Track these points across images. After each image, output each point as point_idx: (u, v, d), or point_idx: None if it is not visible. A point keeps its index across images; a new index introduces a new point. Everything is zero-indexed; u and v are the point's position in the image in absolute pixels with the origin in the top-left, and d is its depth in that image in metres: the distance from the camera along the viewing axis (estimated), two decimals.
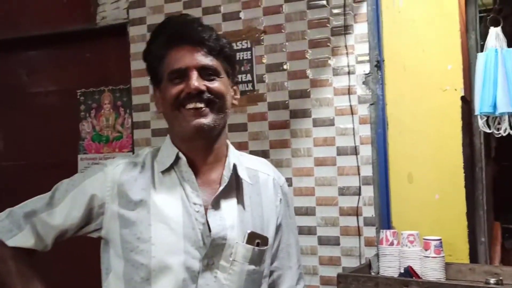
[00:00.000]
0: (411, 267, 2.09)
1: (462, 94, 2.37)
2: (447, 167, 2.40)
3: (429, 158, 2.44)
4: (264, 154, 2.67)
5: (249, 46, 2.74)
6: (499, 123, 2.08)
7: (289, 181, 2.63)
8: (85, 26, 3.14)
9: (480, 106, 2.09)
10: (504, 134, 2.11)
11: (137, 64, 2.99)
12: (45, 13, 3.22)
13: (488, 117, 2.14)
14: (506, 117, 2.11)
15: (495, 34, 2.09)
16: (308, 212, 2.60)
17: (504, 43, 2.11)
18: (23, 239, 1.29)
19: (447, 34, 2.41)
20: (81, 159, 3.30)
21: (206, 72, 1.26)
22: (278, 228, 1.38)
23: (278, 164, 2.61)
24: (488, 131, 2.15)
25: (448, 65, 2.40)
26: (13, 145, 3.50)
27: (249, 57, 2.73)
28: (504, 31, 2.16)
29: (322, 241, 2.57)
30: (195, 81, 1.24)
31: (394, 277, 2.06)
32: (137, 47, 2.98)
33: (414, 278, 2.05)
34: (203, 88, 1.25)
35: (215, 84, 1.27)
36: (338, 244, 2.54)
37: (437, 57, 2.43)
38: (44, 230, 1.29)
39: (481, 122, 2.13)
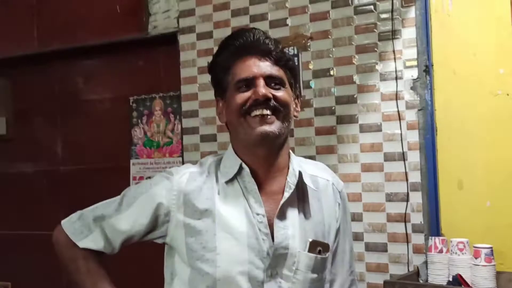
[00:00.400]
0: (460, 275, 2.05)
1: None
2: (499, 173, 2.34)
3: (480, 164, 2.39)
4: (310, 159, 2.67)
5: (295, 52, 2.76)
6: None
7: None
8: (138, 35, 3.25)
9: None
10: None
11: (187, 72, 3.07)
12: (101, 24, 3.36)
13: None
14: None
15: None
16: (355, 218, 2.58)
17: None
18: (93, 242, 1.34)
19: (498, 37, 2.35)
20: (133, 164, 3.41)
21: (272, 81, 1.29)
22: (336, 233, 1.40)
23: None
24: None
25: (500, 69, 2.34)
26: (72, 150, 3.66)
27: (296, 63, 2.75)
28: None
29: (370, 247, 2.56)
30: (263, 88, 1.27)
31: (443, 285, 2.03)
32: (187, 55, 3.06)
33: (463, 286, 2.01)
34: (270, 95, 1.27)
35: (281, 93, 1.30)
36: (386, 251, 2.52)
37: (488, 61, 2.38)
38: (112, 234, 1.34)
39: None
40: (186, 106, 3.09)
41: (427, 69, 2.47)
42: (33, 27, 3.60)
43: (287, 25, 2.80)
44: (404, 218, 2.47)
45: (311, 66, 2.73)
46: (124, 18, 3.28)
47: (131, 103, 3.45)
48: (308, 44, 2.74)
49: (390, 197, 2.53)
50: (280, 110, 1.29)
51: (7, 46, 3.66)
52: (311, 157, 2.69)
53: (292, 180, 1.32)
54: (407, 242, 2.46)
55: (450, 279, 2.08)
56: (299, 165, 1.38)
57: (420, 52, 2.48)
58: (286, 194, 1.30)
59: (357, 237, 2.58)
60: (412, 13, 2.50)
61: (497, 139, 2.34)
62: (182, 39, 3.08)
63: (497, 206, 2.33)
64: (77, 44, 3.44)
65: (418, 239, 2.45)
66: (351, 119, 2.63)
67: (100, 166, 3.55)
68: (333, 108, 2.68)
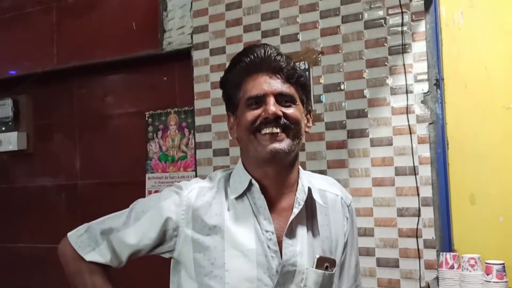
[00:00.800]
0: None
1: None
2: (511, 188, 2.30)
3: (492, 179, 2.35)
4: (321, 174, 2.67)
5: (306, 67, 2.77)
6: None
7: None
8: (153, 51, 3.30)
9: None
10: None
11: (200, 87, 3.10)
12: (118, 41, 3.42)
13: None
14: None
15: None
16: (366, 233, 2.57)
17: None
18: (100, 255, 1.34)
19: (509, 50, 2.33)
20: (149, 178, 3.45)
21: (283, 99, 1.30)
22: (344, 247, 1.40)
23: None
24: None
25: None
26: (89, 165, 3.72)
27: (307, 79, 2.76)
28: None
29: (381, 263, 2.53)
30: (273, 106, 1.27)
31: None
32: (200, 71, 3.10)
33: None
34: (280, 113, 1.27)
35: (291, 111, 1.30)
36: (398, 267, 2.49)
37: (500, 75, 2.35)
38: (119, 248, 1.33)
39: None
40: (199, 120, 3.12)
41: (437, 83, 2.45)
42: (53, 44, 3.69)
43: (298, 40, 2.82)
44: (416, 234, 2.44)
45: (322, 81, 2.74)
46: (140, 35, 3.35)
47: (146, 118, 3.50)
48: (319, 58, 2.75)
49: (401, 212, 2.50)
50: (291, 128, 1.29)
51: (28, 64, 3.76)
52: (322, 171, 2.69)
53: (301, 196, 1.33)
54: (419, 257, 2.43)
55: None
56: (308, 180, 1.38)
57: (430, 66, 2.47)
58: (296, 210, 1.31)
59: (369, 252, 2.56)
60: (422, 27, 2.49)
61: (509, 152, 2.31)
62: (196, 55, 3.13)
63: (510, 221, 2.29)
64: (95, 61, 3.52)
65: (430, 254, 2.42)
66: (362, 133, 2.62)
67: (117, 180, 3.59)
68: (344, 122, 2.67)
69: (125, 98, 3.59)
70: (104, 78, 3.68)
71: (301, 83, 1.34)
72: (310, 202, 1.35)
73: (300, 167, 1.39)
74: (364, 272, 2.54)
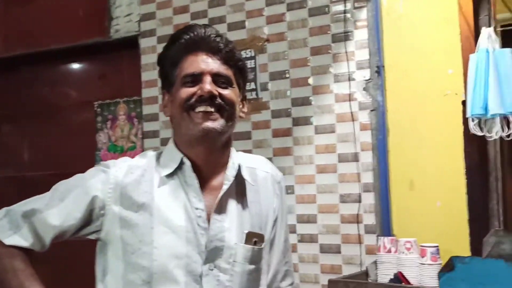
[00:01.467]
0: (400, 273, 2.04)
1: (463, 98, 2.31)
2: (449, 173, 2.34)
3: (430, 164, 2.39)
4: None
5: (253, 54, 2.77)
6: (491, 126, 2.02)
7: (291, 188, 2.63)
8: (100, 39, 3.25)
9: (472, 108, 2.04)
10: (496, 137, 2.05)
11: (148, 75, 3.07)
12: (64, 28, 3.36)
13: (480, 119, 2.08)
14: (498, 119, 2.05)
15: (487, 34, 2.05)
16: (310, 219, 2.58)
17: (497, 44, 2.06)
18: (21, 239, 1.28)
19: (447, 38, 2.37)
20: None
21: (220, 80, 1.28)
22: (273, 223, 1.40)
23: (281, 172, 2.60)
24: (480, 134, 2.09)
25: (449, 70, 2.36)
26: (37, 156, 3.64)
27: (253, 66, 2.76)
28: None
29: (324, 249, 2.55)
30: (209, 85, 1.26)
31: (383, 283, 2.02)
32: (148, 59, 3.06)
33: (403, 284, 2.01)
34: (216, 93, 1.26)
35: (227, 92, 1.29)
36: (340, 252, 2.51)
37: (438, 62, 2.39)
38: (43, 230, 1.28)
39: (472, 125, 2.08)
40: (146, 109, 3.09)
41: (378, 70, 2.48)
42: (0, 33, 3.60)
43: (245, 27, 2.81)
44: (356, 219, 2.47)
45: (267, 69, 2.74)
46: (87, 22, 3.29)
47: (95, 108, 3.44)
48: (265, 46, 2.75)
49: (343, 199, 2.52)
50: (225, 109, 1.28)
51: None
52: (268, 159, 2.68)
53: (231, 173, 1.32)
54: (360, 243, 2.45)
55: (392, 277, 2.07)
56: (238, 159, 1.37)
57: (372, 54, 2.50)
58: (225, 187, 1.30)
59: (312, 239, 2.57)
60: (364, 14, 2.52)
61: (447, 139, 2.35)
62: (143, 43, 3.09)
63: (447, 206, 2.33)
64: (42, 49, 3.44)
65: (370, 239, 2.45)
66: (306, 121, 2.63)
67: (66, 171, 3.47)
68: (289, 110, 2.68)
69: (74, 87, 3.53)
70: (52, 66, 3.61)
71: (239, 67, 1.34)
72: (240, 179, 1.34)
73: (233, 148, 1.38)
74: (307, 258, 2.56)
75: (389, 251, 2.22)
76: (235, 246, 1.28)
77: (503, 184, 2.51)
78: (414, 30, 2.45)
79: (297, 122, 2.66)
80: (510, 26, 2.74)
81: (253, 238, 1.30)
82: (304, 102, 2.65)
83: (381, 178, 2.44)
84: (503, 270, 0.86)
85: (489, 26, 2.17)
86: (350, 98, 2.53)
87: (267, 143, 2.73)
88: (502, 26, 2.45)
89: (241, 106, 1.35)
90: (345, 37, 2.54)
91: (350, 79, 2.53)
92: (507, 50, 2.08)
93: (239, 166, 1.34)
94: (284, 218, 1.46)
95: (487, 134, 2.05)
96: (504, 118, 2.10)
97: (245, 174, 1.35)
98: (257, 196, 1.36)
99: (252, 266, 1.30)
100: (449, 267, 0.86)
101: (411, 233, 2.31)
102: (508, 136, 2.10)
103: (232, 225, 1.29)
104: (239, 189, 1.34)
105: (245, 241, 1.29)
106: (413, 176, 2.41)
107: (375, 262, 2.28)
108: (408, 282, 2.03)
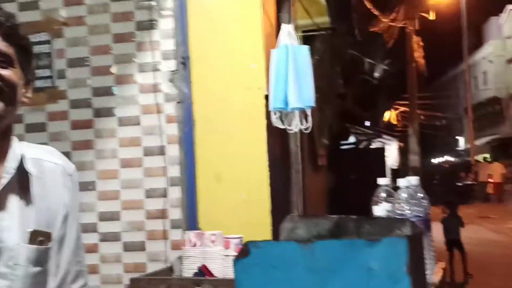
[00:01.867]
0: (204, 266, 2.02)
1: (266, 92, 2.38)
2: (254, 166, 2.39)
3: (236, 157, 2.42)
4: (65, 156, 2.45)
5: (48, 38, 2.51)
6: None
7: (92, 184, 2.45)
8: None
9: (273, 101, 2.11)
10: (295, 130, 2.15)
11: None
12: None
13: (281, 113, 2.16)
14: (297, 113, 2.15)
15: (287, 31, 2.13)
16: (113, 217, 2.43)
17: (295, 40, 2.15)
18: None
19: (251, 34, 2.42)
20: None
21: None
22: (63, 220, 1.25)
23: (81, 167, 2.40)
24: (281, 126, 2.17)
25: (253, 64, 2.41)
26: None
27: (48, 51, 2.51)
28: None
29: (128, 247, 2.43)
30: None
31: (187, 277, 1.98)
32: None
33: (206, 277, 1.99)
34: None
35: (7, 72, 1.13)
36: (144, 250, 2.41)
37: (242, 56, 2.43)
38: None
39: (274, 118, 2.15)
40: None
41: (184, 62, 2.43)
42: None
43: (39, 8, 2.54)
44: (162, 215, 2.39)
45: (65, 55, 2.51)
46: None
47: None
48: (62, 30, 2.52)
49: (149, 193, 2.43)
50: (5, 91, 1.12)
51: None
52: (66, 153, 2.45)
53: (11, 165, 1.16)
54: (165, 239, 2.39)
55: (196, 271, 2.04)
56: (22, 149, 1.21)
57: (178, 44, 2.44)
58: (4, 181, 1.14)
59: (115, 237, 2.43)
60: (169, 2, 2.44)
61: (251, 132, 2.40)
62: None
63: (251, 198, 2.38)
64: None
65: (177, 234, 2.39)
66: (109, 112, 2.48)
67: None
68: (90, 100, 2.49)
69: None
70: None
71: (22, 46, 1.18)
72: (23, 172, 1.18)
73: (16, 137, 1.20)
74: (109, 258, 2.41)
75: (195, 245, 2.19)
76: (17, 247, 1.13)
77: (303, 176, 2.66)
78: (220, 24, 2.46)
79: (99, 113, 2.49)
80: (310, 32, 2.92)
81: (38, 237, 1.17)
82: (106, 92, 2.48)
83: (188, 171, 2.40)
84: (296, 251, 0.88)
85: (289, 23, 2.26)
86: (155, 89, 2.44)
87: (65, 136, 2.50)
88: (303, 32, 2.60)
89: (24, 90, 1.20)
90: (150, 25, 2.45)
91: (155, 69, 2.44)
92: (305, 46, 2.19)
93: (22, 157, 1.18)
94: (76, 214, 1.33)
95: (288, 127, 2.13)
96: (303, 112, 2.20)
97: (29, 166, 1.20)
98: (44, 190, 1.23)
99: (37, 268, 1.17)
100: (244, 253, 0.85)
101: (218, 226, 2.31)
102: (306, 129, 2.21)
103: (13, 224, 1.14)
104: (22, 182, 1.19)
105: (29, 241, 1.15)
106: (220, 168, 2.42)
107: (180, 257, 2.22)
108: (212, 275, 2.02)
